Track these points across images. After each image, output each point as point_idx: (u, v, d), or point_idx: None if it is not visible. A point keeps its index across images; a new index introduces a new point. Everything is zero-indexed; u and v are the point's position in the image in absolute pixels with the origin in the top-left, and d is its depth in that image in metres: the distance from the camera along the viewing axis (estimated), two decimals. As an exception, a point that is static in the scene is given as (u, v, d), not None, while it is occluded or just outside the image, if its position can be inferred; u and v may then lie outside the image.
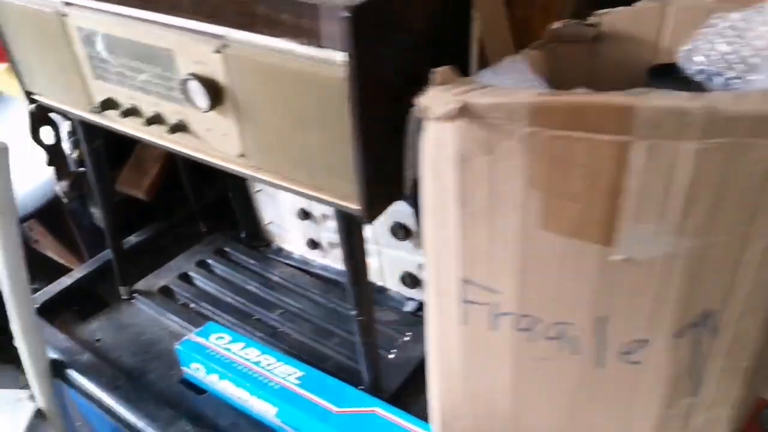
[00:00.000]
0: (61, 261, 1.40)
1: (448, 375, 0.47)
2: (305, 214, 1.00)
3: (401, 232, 0.89)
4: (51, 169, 1.07)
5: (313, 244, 1.04)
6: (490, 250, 0.37)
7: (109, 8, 0.65)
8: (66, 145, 1.10)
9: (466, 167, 0.35)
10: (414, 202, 0.68)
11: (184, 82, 0.61)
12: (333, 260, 1.05)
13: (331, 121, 0.53)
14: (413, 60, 0.55)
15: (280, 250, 1.13)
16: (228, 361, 0.81)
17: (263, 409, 0.78)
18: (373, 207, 0.57)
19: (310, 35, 0.50)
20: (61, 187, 1.09)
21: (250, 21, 0.54)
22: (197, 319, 0.98)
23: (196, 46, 0.59)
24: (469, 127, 0.33)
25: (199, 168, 1.15)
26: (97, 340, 0.95)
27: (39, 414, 0.88)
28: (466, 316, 0.41)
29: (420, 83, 0.42)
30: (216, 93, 0.60)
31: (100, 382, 0.85)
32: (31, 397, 0.89)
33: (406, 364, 0.87)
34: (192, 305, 1.02)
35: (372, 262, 0.99)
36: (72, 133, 1.13)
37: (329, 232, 1.00)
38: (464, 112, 0.33)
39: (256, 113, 0.59)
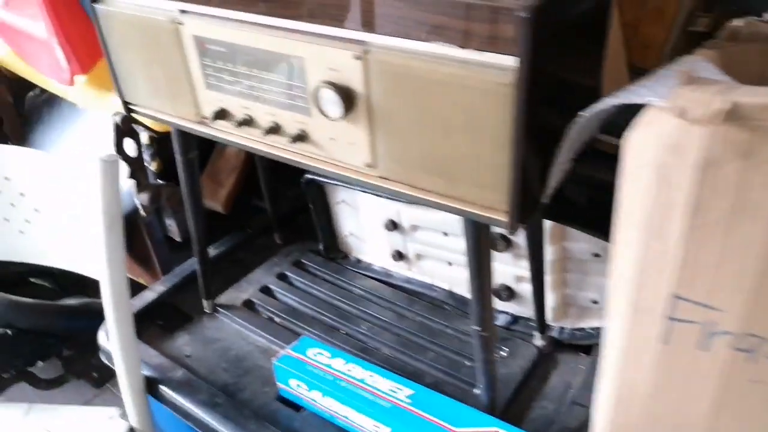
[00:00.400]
0: (131, 276, 1.39)
1: (629, 395, 0.44)
2: (393, 225, 0.97)
3: (502, 243, 0.86)
4: (129, 182, 1.07)
5: (399, 256, 1.01)
6: (719, 264, 0.34)
7: (233, 16, 0.63)
8: (144, 157, 1.09)
9: (710, 174, 0.32)
10: (551, 210, 0.65)
11: (315, 90, 0.59)
12: (419, 272, 1.03)
13: (484, 128, 0.51)
14: (568, 64, 0.52)
15: (358, 262, 1.11)
16: (331, 378, 0.79)
17: (371, 428, 0.75)
18: (520, 217, 0.55)
19: (474, 39, 0.48)
20: (141, 200, 1.08)
21: (400, 26, 0.52)
22: (283, 333, 0.96)
23: (332, 53, 0.57)
24: (727, 130, 0.31)
25: (276, 179, 1.15)
26: (187, 356, 0.93)
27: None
28: (669, 334, 0.38)
29: (572, 88, 0.40)
30: (349, 101, 0.58)
31: (197, 399, 0.83)
32: (123, 415, 0.88)
33: (508, 381, 0.84)
34: (276, 319, 1.00)
35: (463, 274, 0.96)
36: (150, 146, 1.12)
37: (417, 243, 0.98)
38: (731, 113, 0.30)
39: (392, 121, 0.57)
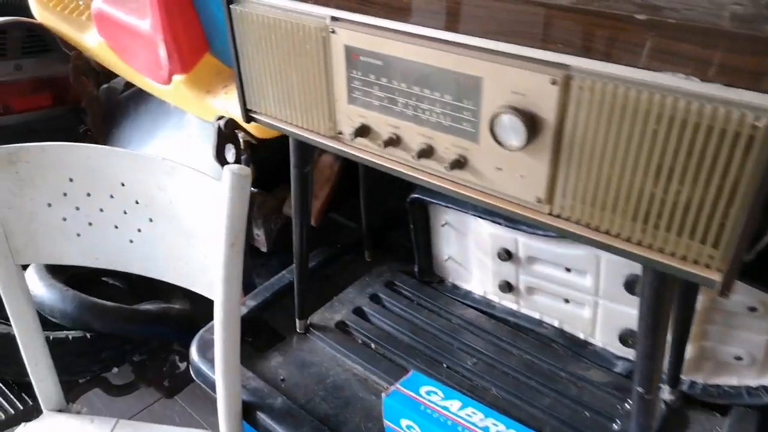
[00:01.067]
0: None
1: None
2: (508, 255, 0.91)
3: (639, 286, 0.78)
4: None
5: (508, 288, 0.95)
6: None
7: (397, 27, 0.57)
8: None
9: None
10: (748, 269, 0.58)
11: (493, 115, 0.53)
12: (527, 306, 0.96)
13: (717, 174, 0.44)
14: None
15: (455, 288, 1.04)
16: (449, 423, 0.72)
17: (497, 483, 0.69)
18: (733, 277, 0.48)
19: (724, 72, 0.41)
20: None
21: (617, 50, 0.45)
22: (381, 361, 0.90)
23: (521, 75, 0.51)
24: None
25: (372, 195, 1.09)
26: (282, 380, 0.87)
27: (223, 457, 0.81)
28: None
29: None
30: (534, 129, 0.52)
31: (301, 432, 0.78)
32: (215, 438, 0.82)
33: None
34: (372, 345, 0.94)
35: (583, 313, 0.89)
36: (245, 151, 1.08)
37: (532, 276, 0.91)
38: None
39: (586, 155, 0.50)
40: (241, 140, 1.03)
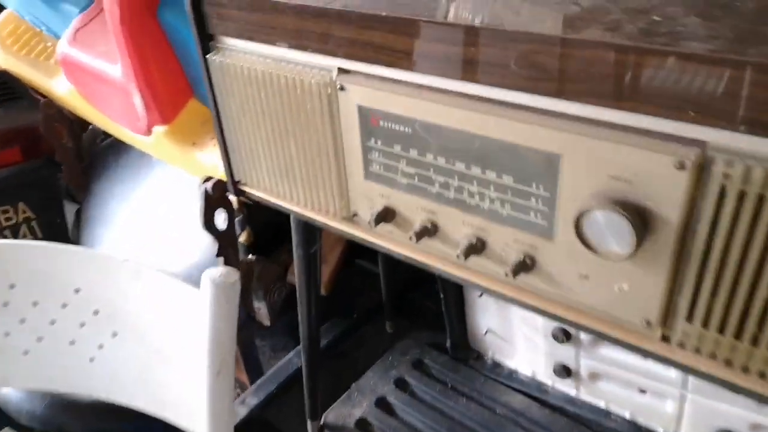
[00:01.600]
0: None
1: None
2: (565, 336, 0.74)
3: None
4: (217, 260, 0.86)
5: (566, 372, 0.78)
6: None
7: (437, 84, 0.41)
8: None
9: None
10: None
11: (584, 212, 0.36)
12: (589, 394, 0.78)
13: None
14: None
15: (496, 366, 0.87)
16: None
17: None
18: None
19: None
20: (228, 282, 0.87)
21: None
22: (414, 472, 0.73)
23: (628, 153, 0.34)
24: None
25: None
26: (294, 506, 0.71)
27: None
28: None
29: None
30: (643, 229, 0.35)
31: None
32: None
33: None
34: (402, 449, 0.77)
35: (663, 407, 0.72)
36: (238, 211, 0.92)
37: (597, 360, 0.74)
38: None
39: (729, 267, 0.34)
40: (234, 201, 0.87)
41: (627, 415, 0.76)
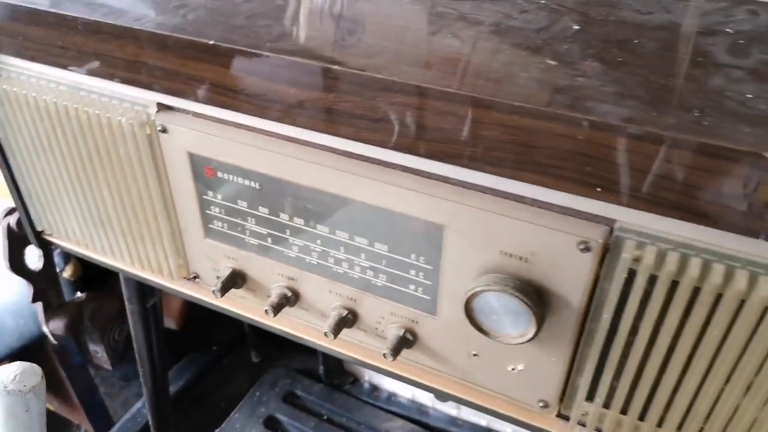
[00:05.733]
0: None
1: None
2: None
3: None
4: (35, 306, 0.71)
5: (445, 395, 0.74)
6: None
7: (290, 133, 0.32)
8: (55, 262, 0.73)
9: None
10: None
11: (474, 293, 0.30)
12: (471, 413, 0.76)
13: None
14: None
15: (374, 390, 0.82)
16: None
17: None
18: None
19: None
20: (53, 329, 0.72)
21: (706, 203, 0.24)
22: None
23: (526, 229, 0.28)
24: None
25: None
26: None
27: None
28: None
29: None
30: (542, 312, 0.30)
31: None
32: None
33: None
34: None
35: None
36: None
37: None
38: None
39: (635, 352, 0.29)
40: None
41: (509, 431, 0.75)
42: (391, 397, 0.81)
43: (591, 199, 0.26)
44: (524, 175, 0.27)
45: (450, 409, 0.77)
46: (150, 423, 0.66)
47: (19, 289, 0.81)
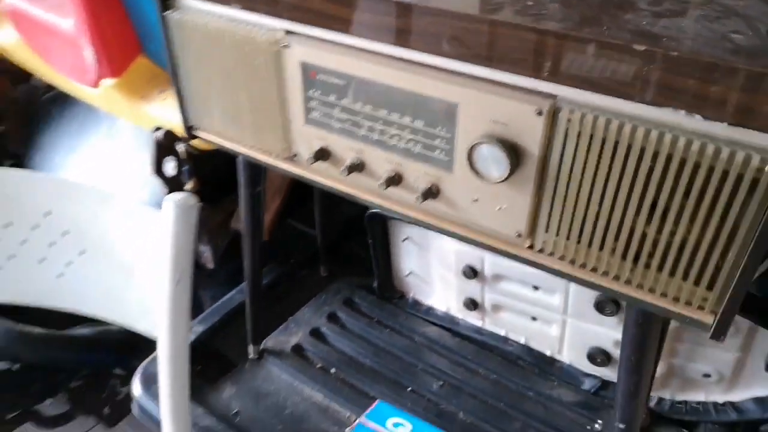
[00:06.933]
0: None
1: None
2: (473, 273, 0.87)
3: (611, 306, 0.76)
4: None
5: (473, 305, 0.91)
6: None
7: (363, 45, 0.51)
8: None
9: None
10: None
11: (470, 144, 0.48)
12: (492, 323, 0.92)
13: (716, 215, 0.41)
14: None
15: (416, 304, 1.00)
16: (421, 459, 0.68)
17: None
18: (728, 319, 0.45)
19: (729, 111, 0.38)
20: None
21: (611, 81, 0.41)
22: (342, 388, 0.85)
23: (503, 103, 0.46)
24: None
25: (327, 206, 1.03)
26: (236, 414, 0.81)
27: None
28: None
29: None
30: (516, 161, 0.47)
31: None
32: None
33: (609, 460, 0.75)
34: (332, 370, 0.89)
35: (549, 331, 0.86)
36: (186, 161, 0.99)
37: (498, 294, 0.88)
38: None
39: (574, 190, 0.46)
40: (181, 151, 0.94)
41: (522, 341, 0.91)
42: (429, 310, 0.99)
43: (543, 81, 0.44)
44: (502, 65, 0.45)
45: (475, 320, 0.94)
46: (246, 302, 0.87)
47: (153, 199, 1.04)
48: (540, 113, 0.45)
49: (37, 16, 0.98)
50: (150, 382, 0.81)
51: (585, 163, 0.45)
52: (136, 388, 0.81)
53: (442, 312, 0.98)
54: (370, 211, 0.90)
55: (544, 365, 0.89)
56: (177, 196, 0.57)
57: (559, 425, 0.80)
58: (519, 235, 0.51)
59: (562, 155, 0.45)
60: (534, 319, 0.87)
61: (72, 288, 0.66)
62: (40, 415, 1.05)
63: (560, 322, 0.84)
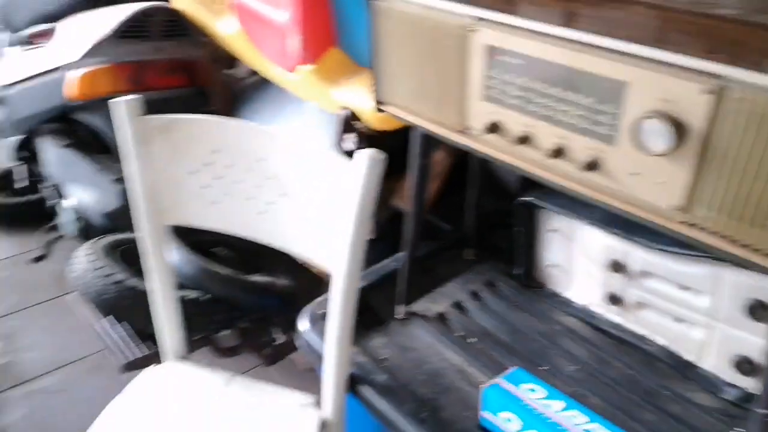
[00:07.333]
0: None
1: None
2: (618, 267, 0.90)
3: (761, 311, 0.76)
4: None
5: (614, 300, 0.93)
6: None
7: (543, 29, 0.59)
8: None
9: None
10: None
11: (637, 119, 0.53)
12: (633, 321, 0.94)
13: None
14: None
15: (555, 295, 1.04)
16: (551, 422, 0.73)
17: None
18: None
19: None
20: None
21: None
22: (478, 355, 0.92)
23: (671, 83, 0.51)
24: None
25: (480, 195, 1.11)
26: (385, 359, 0.91)
27: (323, 425, 0.85)
28: None
29: None
30: (680, 136, 0.52)
31: (403, 409, 0.81)
32: (316, 404, 0.87)
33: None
34: (470, 339, 0.96)
35: (695, 334, 0.86)
36: (363, 138, 1.12)
37: (643, 291, 0.89)
38: None
39: (734, 165, 0.50)
40: (361, 129, 1.07)
41: (662, 342, 0.91)
42: (568, 302, 1.02)
43: (711, 63, 0.48)
44: (674, 48, 0.50)
45: (615, 316, 0.96)
46: (404, 265, 0.97)
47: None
48: (708, 92, 0.49)
49: (257, 9, 1.18)
50: (316, 320, 0.94)
51: (748, 140, 0.48)
52: (303, 324, 0.95)
53: (580, 305, 1.00)
54: (521, 199, 0.96)
55: (682, 369, 0.88)
56: (369, 151, 0.68)
57: (695, 425, 0.80)
58: (679, 209, 0.55)
59: (726, 133, 0.49)
60: (678, 320, 0.87)
61: (269, 225, 0.80)
62: (215, 343, 1.23)
63: (706, 325, 0.83)
